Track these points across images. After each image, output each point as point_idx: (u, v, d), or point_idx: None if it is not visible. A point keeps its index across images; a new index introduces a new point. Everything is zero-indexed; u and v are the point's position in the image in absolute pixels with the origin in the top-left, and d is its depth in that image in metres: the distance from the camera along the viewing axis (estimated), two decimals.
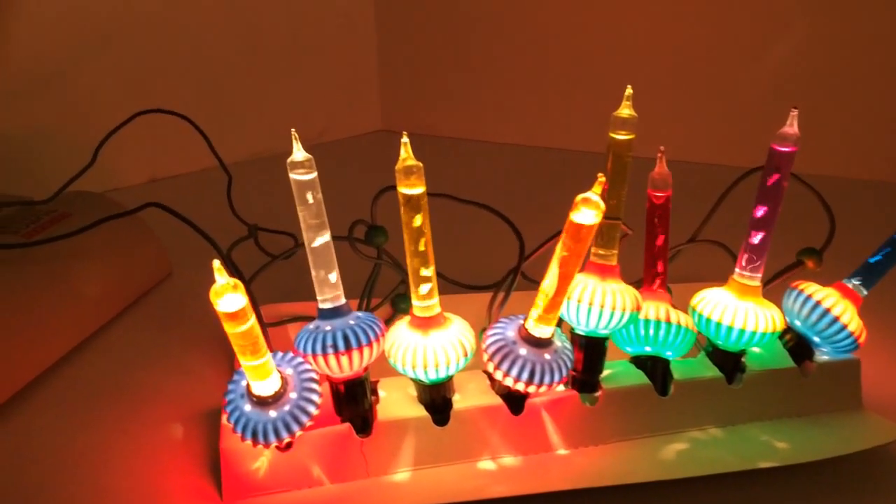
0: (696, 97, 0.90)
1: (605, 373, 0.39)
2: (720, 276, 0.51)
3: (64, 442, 0.39)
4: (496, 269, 0.52)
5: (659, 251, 0.41)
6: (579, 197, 0.31)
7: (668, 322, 0.39)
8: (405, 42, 1.03)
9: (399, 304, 0.47)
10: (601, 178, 0.31)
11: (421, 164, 0.33)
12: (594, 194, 0.31)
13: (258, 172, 0.78)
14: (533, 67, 0.97)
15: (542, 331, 0.35)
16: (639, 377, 0.39)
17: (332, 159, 0.92)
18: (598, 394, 0.38)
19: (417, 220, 0.34)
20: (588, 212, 0.31)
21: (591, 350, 0.38)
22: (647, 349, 0.39)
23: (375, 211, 0.44)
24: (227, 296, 0.27)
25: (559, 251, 0.33)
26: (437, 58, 1.02)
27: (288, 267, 0.48)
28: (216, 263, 0.26)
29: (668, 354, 0.40)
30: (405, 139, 0.33)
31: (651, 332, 0.39)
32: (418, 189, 0.33)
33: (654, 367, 0.39)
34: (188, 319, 0.52)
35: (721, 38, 0.87)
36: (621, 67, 0.91)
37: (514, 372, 0.35)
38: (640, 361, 0.40)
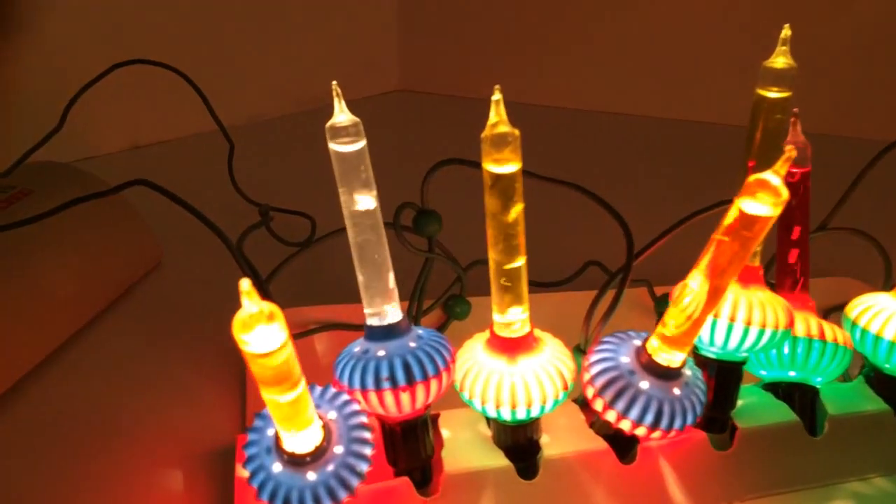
0: (819, 52, 0.75)
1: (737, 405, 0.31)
2: (855, 272, 0.43)
3: (29, 487, 0.31)
4: (563, 260, 0.44)
5: (798, 244, 0.33)
6: (754, 178, 0.23)
7: (823, 340, 0.31)
8: None
9: (454, 308, 0.39)
10: (790, 150, 0.23)
11: (518, 133, 0.25)
12: (775, 176, 0.23)
13: (260, 139, 0.70)
14: (579, 16, 0.88)
15: (672, 357, 0.27)
16: (782, 411, 0.31)
17: None
18: (731, 434, 0.30)
19: (509, 210, 0.25)
20: (769, 199, 0.23)
21: (726, 378, 0.30)
22: (791, 374, 0.31)
23: (426, 191, 0.36)
24: (259, 329, 0.19)
25: (713, 254, 0.24)
26: (464, 8, 0.92)
27: (302, 257, 0.40)
28: (244, 285, 0.18)
29: (818, 381, 0.32)
30: (497, 96, 0.24)
31: (800, 352, 0.31)
32: (512, 166, 0.25)
33: (802, 398, 0.32)
34: (185, 321, 0.43)
35: None
36: (703, 15, 0.80)
37: (635, 413, 0.27)
38: (778, 389, 0.32)
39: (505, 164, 0.25)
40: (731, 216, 0.24)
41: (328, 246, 0.39)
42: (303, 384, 0.22)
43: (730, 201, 0.30)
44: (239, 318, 0.18)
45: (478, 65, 0.94)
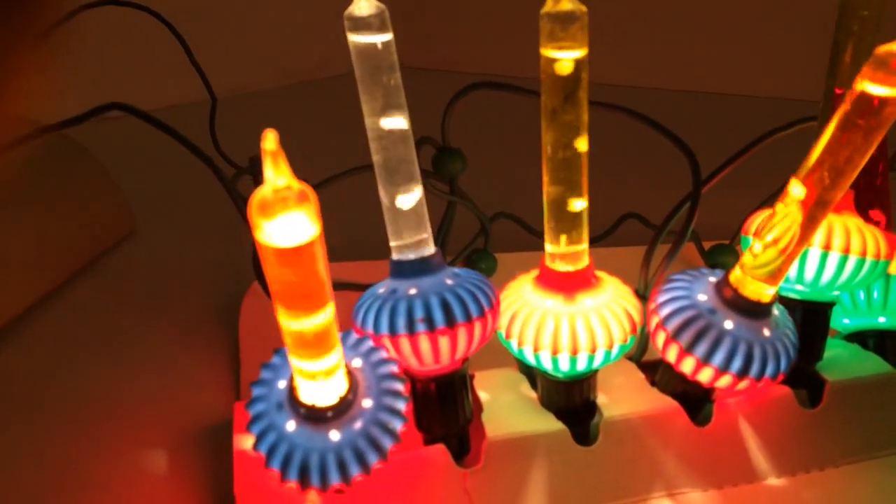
0: None
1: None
2: None
3: None
4: (593, 213, 0.40)
5: (879, 174, 0.30)
6: (884, 49, 0.19)
7: None
8: None
9: (478, 263, 0.34)
10: None
11: (585, 9, 0.21)
12: None
13: (244, 111, 0.65)
14: None
15: (761, 291, 0.23)
16: (873, 363, 0.27)
17: (329, 99, 0.79)
18: (817, 390, 0.27)
19: (572, 111, 0.21)
20: None
21: (813, 322, 0.27)
22: (881, 320, 0.28)
23: (448, 126, 0.32)
24: (287, 217, 0.14)
25: (820, 155, 0.21)
26: None
27: None
28: (270, 142, 0.14)
29: None
30: None
31: (894, 293, 0.27)
32: (578, 52, 0.21)
33: None
34: (161, 293, 0.39)
35: None
36: None
37: (719, 358, 0.23)
38: (866, 339, 0.28)
39: (570, 50, 0.21)
40: (845, 106, 0.20)
41: (322, 203, 0.35)
42: (332, 310, 0.18)
43: (814, 118, 0.27)
44: (260, 196, 0.14)
45: (465, 39, 0.91)
